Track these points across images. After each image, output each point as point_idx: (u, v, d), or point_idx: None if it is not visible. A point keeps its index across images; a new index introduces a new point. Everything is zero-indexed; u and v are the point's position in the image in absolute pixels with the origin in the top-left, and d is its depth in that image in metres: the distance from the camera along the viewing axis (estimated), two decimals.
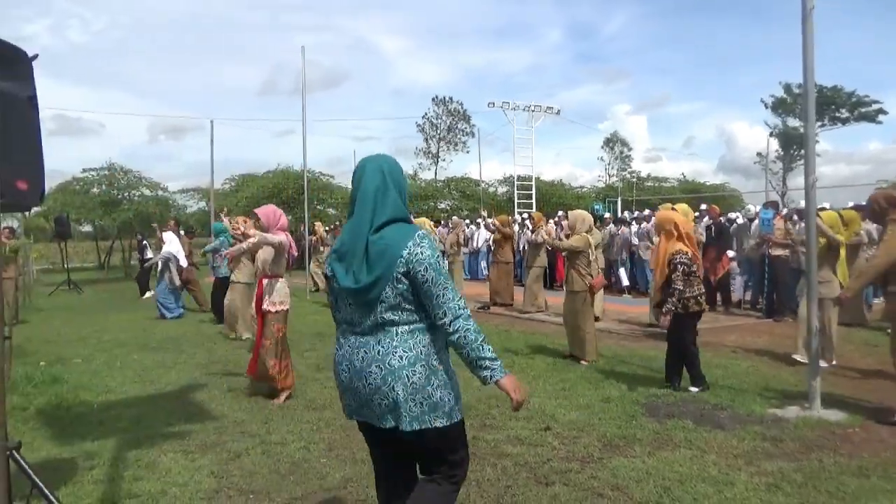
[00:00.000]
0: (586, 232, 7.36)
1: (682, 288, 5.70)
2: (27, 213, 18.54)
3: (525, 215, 19.73)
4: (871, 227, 9.94)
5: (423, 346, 2.30)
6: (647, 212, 16.23)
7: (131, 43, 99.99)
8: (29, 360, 7.90)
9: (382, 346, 2.28)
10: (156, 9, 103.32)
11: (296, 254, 6.67)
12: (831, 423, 4.91)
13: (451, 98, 53.50)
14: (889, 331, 5.83)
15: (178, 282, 12.38)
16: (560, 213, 17.15)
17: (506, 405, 5.19)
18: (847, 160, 72.82)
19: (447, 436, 2.36)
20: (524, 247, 14.89)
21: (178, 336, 9.97)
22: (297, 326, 6.55)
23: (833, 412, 5.12)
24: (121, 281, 23.08)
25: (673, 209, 7.37)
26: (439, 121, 53.63)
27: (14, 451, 2.52)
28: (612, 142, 55.23)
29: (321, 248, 16.01)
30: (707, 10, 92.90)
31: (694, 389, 5.85)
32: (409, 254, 2.23)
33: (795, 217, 10.90)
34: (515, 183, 28.29)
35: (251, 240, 6.03)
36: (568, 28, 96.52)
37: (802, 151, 6.81)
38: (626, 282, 13.99)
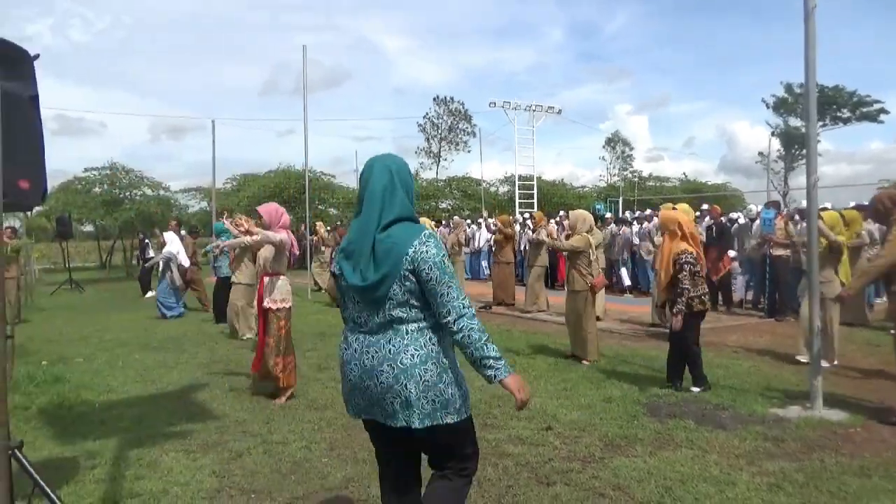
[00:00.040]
0: (587, 232, 7.36)
1: (689, 287, 5.69)
2: (29, 213, 18.56)
3: (527, 215, 19.73)
4: (873, 226, 9.94)
5: (434, 344, 2.33)
6: (648, 211, 16.22)
7: (133, 43, 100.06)
8: (31, 360, 7.91)
9: (393, 345, 2.29)
10: (157, 9, 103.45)
11: (297, 252, 6.67)
12: (833, 423, 4.91)
13: (452, 98, 53.55)
14: (892, 331, 5.82)
15: (179, 281, 12.39)
16: (562, 212, 17.16)
17: (507, 405, 5.20)
18: (849, 160, 72.84)
19: (458, 431, 2.39)
20: (525, 247, 14.89)
21: (180, 335, 9.97)
22: (298, 326, 6.58)
23: (835, 412, 5.12)
24: (122, 280, 23.10)
25: (674, 209, 7.36)
26: (440, 120, 53.65)
27: (16, 451, 2.52)
28: (614, 141, 55.23)
29: (322, 249, 16.01)
30: (708, 9, 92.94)
31: (695, 389, 5.85)
32: (414, 252, 2.25)
33: (797, 217, 10.90)
34: (517, 182, 28.28)
35: (255, 237, 6.04)
36: (569, 28, 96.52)
37: (804, 151, 6.80)
38: (627, 281, 13.98)
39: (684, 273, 5.69)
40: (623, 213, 20.34)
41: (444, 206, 35.18)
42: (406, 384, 2.26)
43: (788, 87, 41.21)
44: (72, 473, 4.14)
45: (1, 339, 2.35)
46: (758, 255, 10.87)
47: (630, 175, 49.51)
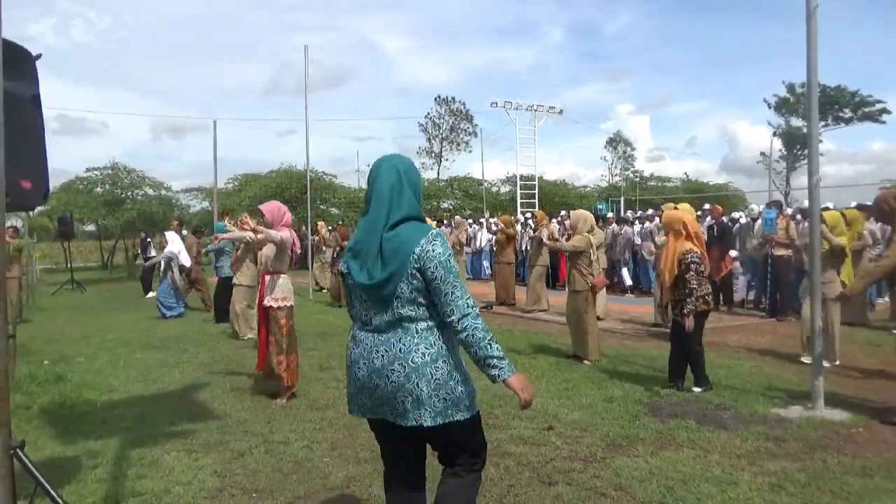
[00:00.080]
0: (588, 232, 7.36)
1: (697, 287, 5.69)
2: (31, 213, 18.58)
3: (528, 215, 19.73)
4: (875, 226, 9.93)
5: (443, 343, 2.35)
6: (650, 211, 16.22)
7: (135, 43, 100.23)
8: (32, 359, 7.92)
9: (403, 344, 2.31)
10: (159, 9, 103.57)
11: (299, 251, 6.66)
12: (835, 423, 4.90)
13: (453, 98, 53.49)
14: (894, 331, 5.83)
15: (180, 281, 12.40)
16: (563, 212, 17.16)
17: (509, 405, 5.20)
18: (850, 160, 72.80)
19: (468, 428, 2.42)
20: (526, 246, 14.89)
21: (181, 335, 9.98)
22: (299, 326, 6.59)
23: (836, 412, 5.11)
24: (124, 280, 23.12)
25: (675, 208, 7.35)
26: (442, 120, 53.60)
27: (18, 450, 2.52)
28: (616, 141, 55.25)
29: (323, 249, 16.02)
30: (710, 9, 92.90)
31: (697, 389, 5.85)
32: (421, 250, 2.27)
33: (799, 217, 10.89)
34: (518, 182, 28.30)
35: (259, 236, 6.03)
36: (571, 28, 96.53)
37: (806, 151, 6.78)
38: (628, 281, 13.98)
39: (692, 273, 5.68)
40: (625, 212, 20.34)
41: (445, 205, 35.19)
42: (418, 383, 2.28)
43: (790, 87, 41.18)
44: (74, 473, 4.14)
45: (3, 338, 2.34)
46: (759, 255, 10.86)
47: (632, 175, 49.54)
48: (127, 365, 7.73)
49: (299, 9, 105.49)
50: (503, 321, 10.63)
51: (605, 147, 55.51)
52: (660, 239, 8.93)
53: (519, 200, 27.78)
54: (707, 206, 13.17)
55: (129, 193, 25.91)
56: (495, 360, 2.28)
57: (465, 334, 2.28)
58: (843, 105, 39.87)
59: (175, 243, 12.55)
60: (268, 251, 5.90)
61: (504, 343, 8.36)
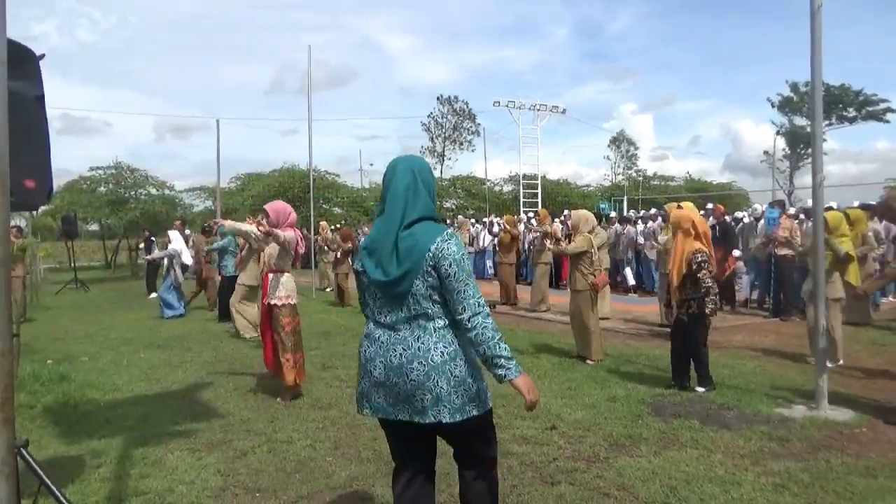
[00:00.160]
0: (589, 232, 7.35)
1: (713, 286, 5.68)
2: (35, 212, 18.63)
3: (531, 214, 19.71)
4: (879, 226, 9.90)
5: (460, 341, 2.38)
6: (653, 211, 16.20)
7: (138, 43, 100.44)
8: (36, 358, 7.93)
9: (422, 343, 2.34)
10: (163, 9, 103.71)
11: (303, 251, 6.65)
12: (838, 423, 4.89)
13: (456, 97, 53.50)
14: None
15: (181, 280, 12.41)
16: (566, 211, 17.15)
17: (512, 404, 5.19)
18: (854, 159, 72.65)
19: (484, 422, 2.49)
20: (529, 246, 14.88)
21: (185, 334, 10.00)
22: (302, 325, 6.58)
23: (840, 412, 5.10)
24: (127, 280, 23.17)
25: (679, 207, 7.33)
26: (445, 120, 53.60)
27: (22, 449, 2.53)
28: (619, 140, 55.19)
29: (325, 249, 16.04)
30: (713, 8, 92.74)
31: (700, 389, 5.84)
32: (436, 248, 2.31)
33: (802, 216, 10.85)
34: (521, 182, 28.28)
35: (271, 236, 6.03)
36: (574, 27, 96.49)
37: (809, 150, 6.78)
38: (631, 281, 13.94)
39: (704, 272, 5.66)
40: (627, 212, 20.32)
41: (448, 205, 35.19)
42: (438, 381, 2.32)
43: (794, 86, 41.04)
44: (77, 472, 4.15)
45: (7, 337, 2.35)
46: (763, 255, 10.84)
47: (635, 174, 49.45)
48: (130, 364, 7.75)
49: (302, 8, 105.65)
50: (506, 321, 10.62)
51: (609, 146, 55.50)
52: (661, 238, 8.89)
53: (522, 200, 27.76)
54: (710, 205, 13.15)
55: (133, 193, 26.00)
56: (503, 360, 2.32)
57: (474, 332, 2.31)
58: (847, 104, 39.72)
59: (177, 241, 12.57)
60: (270, 250, 5.89)
61: (507, 343, 8.32)
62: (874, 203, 11.77)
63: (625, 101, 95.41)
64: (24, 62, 2.80)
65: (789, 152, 43.60)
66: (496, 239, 15.14)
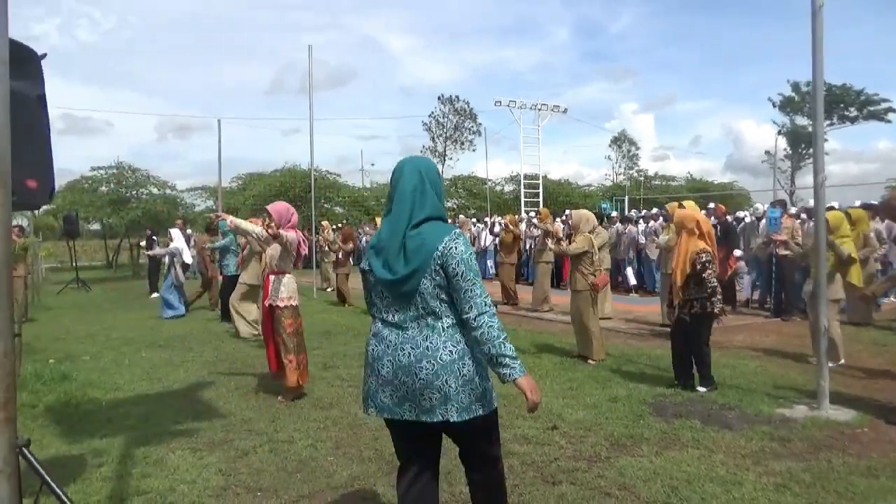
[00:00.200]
0: (590, 231, 7.34)
1: (717, 285, 5.67)
2: (36, 212, 18.65)
3: (532, 213, 19.71)
4: (881, 225, 9.90)
5: (468, 340, 2.40)
6: (654, 210, 16.19)
7: (139, 42, 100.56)
8: (38, 358, 7.94)
9: (431, 342, 2.36)
10: (163, 9, 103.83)
11: (305, 252, 6.63)
12: (840, 423, 4.89)
13: (457, 97, 53.26)
14: None
15: (182, 279, 12.42)
16: (567, 211, 17.16)
17: (513, 404, 5.19)
18: (856, 159, 72.56)
19: (489, 422, 2.52)
20: (530, 246, 14.89)
21: (186, 334, 10.01)
22: (304, 325, 6.58)
23: (842, 412, 5.10)
24: (129, 279, 23.20)
25: (682, 206, 7.33)
26: (446, 119, 53.44)
27: (24, 448, 2.53)
28: (620, 140, 55.10)
29: (326, 249, 16.05)
30: (714, 8, 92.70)
31: (702, 389, 5.83)
32: (444, 247, 2.34)
33: (804, 216, 10.84)
34: (522, 181, 28.28)
35: (264, 233, 6.03)
36: (575, 27, 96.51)
37: (811, 150, 6.77)
38: (633, 281, 13.94)
39: (709, 272, 5.66)
40: (628, 212, 20.31)
41: (449, 205, 35.18)
42: (447, 380, 2.34)
43: (795, 86, 41.02)
44: (79, 471, 4.15)
45: (9, 337, 2.35)
46: (764, 255, 10.83)
47: (636, 174, 49.42)
48: (132, 364, 7.76)
49: (302, 8, 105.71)
50: (507, 321, 10.61)
51: (610, 146, 55.38)
52: (662, 237, 8.88)
53: (523, 199, 27.76)
54: (711, 205, 13.15)
55: (134, 192, 26.03)
56: (508, 360, 2.33)
57: (480, 331, 2.33)
58: (848, 104, 39.70)
59: (178, 240, 12.59)
60: (272, 251, 5.89)
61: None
62: (876, 203, 11.77)
63: (626, 100, 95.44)
64: (25, 62, 2.80)
65: (791, 152, 43.56)
66: (497, 239, 15.13)
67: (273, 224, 5.77)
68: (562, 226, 13.23)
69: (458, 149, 53.63)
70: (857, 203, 11.58)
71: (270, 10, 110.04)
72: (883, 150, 64.73)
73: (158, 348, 8.77)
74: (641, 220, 15.17)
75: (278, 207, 5.95)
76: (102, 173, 25.71)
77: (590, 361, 7.13)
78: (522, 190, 28.15)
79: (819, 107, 5.21)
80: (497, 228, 16.55)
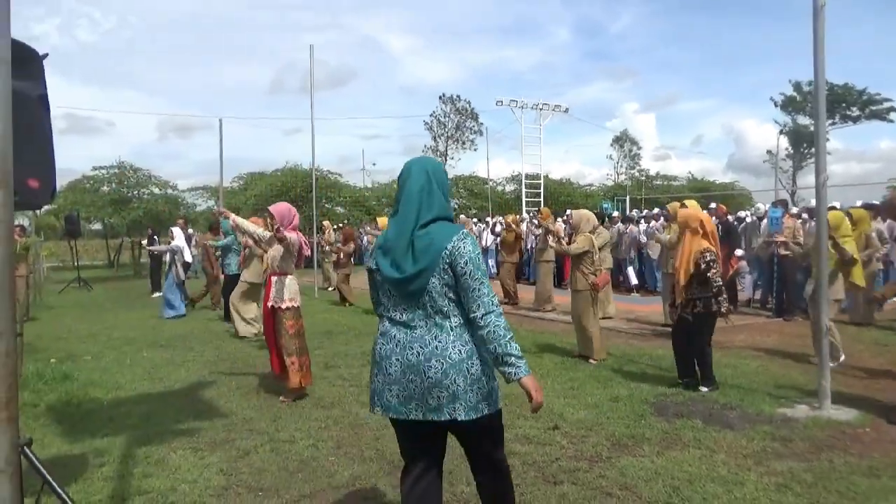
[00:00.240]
0: (590, 231, 7.34)
1: (722, 284, 5.67)
2: (38, 211, 18.66)
3: (533, 213, 19.71)
4: (883, 225, 9.88)
5: (475, 339, 2.42)
6: (655, 210, 16.18)
7: (140, 42, 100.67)
8: (39, 357, 7.95)
9: (439, 341, 2.38)
10: (164, 9, 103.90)
11: (307, 253, 6.61)
12: (841, 422, 4.88)
13: (458, 96, 53.29)
14: None
15: (183, 277, 12.42)
16: (569, 211, 17.17)
17: (513, 404, 5.19)
18: (858, 158, 72.40)
19: (495, 421, 2.54)
20: (532, 245, 14.88)
21: (187, 333, 10.01)
22: (305, 324, 6.59)
23: (843, 412, 5.10)
24: (130, 279, 23.21)
25: (684, 205, 7.32)
26: (447, 119, 53.45)
27: (25, 448, 2.53)
28: (621, 140, 55.06)
29: (327, 249, 16.05)
30: (715, 7, 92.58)
31: (704, 389, 5.83)
32: (453, 246, 2.36)
33: (805, 216, 10.83)
34: (523, 181, 28.27)
35: (265, 233, 6.02)
36: (576, 26, 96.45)
37: (813, 149, 6.77)
38: (634, 280, 13.92)
39: (714, 271, 5.65)
40: (630, 211, 20.30)
41: (450, 204, 35.16)
42: (455, 379, 2.35)
43: (797, 86, 40.97)
44: (80, 471, 4.16)
45: (11, 336, 2.35)
46: (766, 255, 10.82)
47: (637, 174, 49.38)
48: (133, 363, 7.76)
49: (303, 8, 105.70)
50: (508, 320, 10.52)
51: (611, 146, 55.34)
52: (663, 236, 8.84)
53: (524, 199, 27.75)
54: (713, 205, 13.14)
55: (136, 192, 26.04)
56: (513, 359, 2.35)
57: (486, 330, 2.35)
58: (850, 103, 39.65)
59: (179, 238, 12.59)
60: (274, 252, 5.88)
61: None
62: (877, 203, 11.76)
63: (627, 100, 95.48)
64: (27, 62, 2.80)
65: (792, 152, 43.51)
66: (499, 238, 15.13)
67: (276, 225, 5.76)
68: (563, 225, 13.22)
69: (460, 148, 53.65)
70: (859, 203, 11.57)
71: (271, 9, 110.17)
72: (885, 150, 64.58)
73: (160, 348, 8.78)
74: (643, 220, 15.15)
75: (280, 208, 5.94)
76: (104, 173, 25.72)
77: (591, 361, 7.13)
78: (524, 189, 28.14)
79: (821, 106, 5.20)
80: (498, 228, 16.54)
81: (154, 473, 4.11)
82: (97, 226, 31.87)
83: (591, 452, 4.34)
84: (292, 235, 5.79)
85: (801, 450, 4.34)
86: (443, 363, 2.35)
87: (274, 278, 5.87)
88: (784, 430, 4.74)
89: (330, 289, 15.98)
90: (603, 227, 10.38)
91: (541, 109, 28.27)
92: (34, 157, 2.78)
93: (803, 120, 41.30)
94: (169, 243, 13.22)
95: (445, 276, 2.36)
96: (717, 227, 11.09)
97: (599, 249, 7.59)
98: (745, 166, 78.53)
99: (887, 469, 3.96)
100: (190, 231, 16.76)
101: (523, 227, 15.27)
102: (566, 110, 29.75)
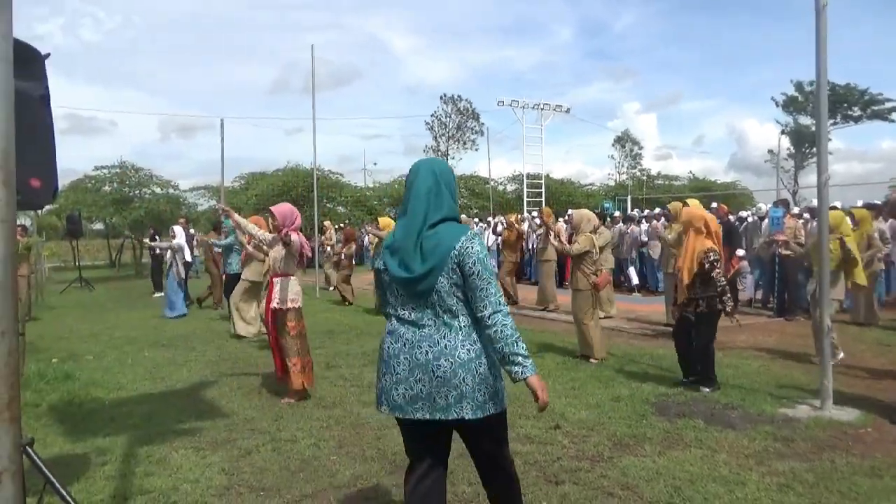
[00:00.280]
0: (591, 231, 7.34)
1: (726, 284, 5.67)
2: (40, 211, 18.65)
3: (534, 214, 19.71)
4: (885, 225, 9.87)
5: (482, 339, 2.44)
6: (657, 210, 16.18)
7: (142, 42, 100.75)
8: (41, 357, 7.96)
9: (448, 340, 2.40)
10: (166, 9, 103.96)
11: (309, 254, 6.61)
12: (843, 422, 4.88)
13: (460, 96, 53.25)
14: None
15: (183, 275, 12.43)
16: (570, 211, 17.17)
17: (515, 403, 5.18)
18: (860, 158, 72.31)
19: (500, 420, 2.56)
20: (533, 245, 14.87)
21: (189, 333, 10.02)
22: (306, 324, 6.59)
23: (845, 412, 5.09)
24: (132, 278, 23.23)
25: (686, 205, 7.32)
26: (448, 119, 53.41)
27: (27, 447, 2.54)
28: (623, 140, 54.97)
29: (328, 250, 16.04)
30: (716, 7, 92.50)
31: (705, 389, 5.82)
32: (461, 246, 2.39)
33: (807, 216, 10.82)
34: (525, 181, 28.25)
35: (266, 235, 6.01)
36: (577, 26, 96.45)
37: (814, 149, 6.76)
38: (635, 280, 13.93)
39: (718, 271, 5.65)
40: (631, 211, 20.28)
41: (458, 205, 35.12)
42: (464, 378, 2.38)
43: (799, 86, 40.90)
44: (82, 470, 4.16)
45: (14, 336, 2.35)
46: (767, 254, 10.81)
47: (639, 173, 49.33)
48: (135, 363, 7.77)
49: (305, 8, 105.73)
50: None
51: (613, 145, 55.24)
52: (666, 233, 8.81)
53: (525, 199, 27.73)
54: (714, 204, 13.13)
55: (137, 192, 26.07)
56: (520, 358, 2.37)
57: (493, 329, 2.37)
58: (852, 103, 39.55)
59: (181, 237, 12.60)
60: (276, 254, 5.87)
61: None
62: (878, 202, 11.75)
63: (629, 100, 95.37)
64: (29, 62, 2.81)
65: (794, 151, 43.44)
66: (500, 238, 15.13)
67: (281, 227, 5.76)
68: (564, 226, 13.21)
69: (461, 148, 53.56)
70: (860, 203, 11.56)
71: (273, 9, 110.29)
72: (887, 150, 64.45)
73: (161, 348, 8.79)
74: (644, 220, 15.14)
75: (282, 209, 5.93)
76: (105, 173, 25.76)
77: (591, 360, 7.12)
78: (525, 189, 28.11)
79: (823, 106, 5.19)
80: (500, 228, 16.54)
81: (156, 473, 4.11)
82: (99, 225, 31.89)
83: (592, 452, 4.34)
84: (294, 236, 5.79)
85: (803, 450, 4.34)
86: (452, 362, 2.38)
87: (276, 280, 5.86)
88: (786, 430, 4.73)
89: (330, 289, 15.98)
90: (604, 226, 10.38)
91: (542, 109, 28.24)
92: (36, 157, 2.78)
93: (805, 120, 41.25)
94: (170, 242, 13.23)
95: (454, 276, 2.38)
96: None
97: (601, 249, 7.58)
98: (747, 166, 78.26)
99: (889, 469, 3.96)
100: (191, 231, 16.75)
101: (525, 226, 15.27)
102: (567, 110, 29.74)
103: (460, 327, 2.42)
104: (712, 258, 5.65)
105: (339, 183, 32.63)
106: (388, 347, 2.51)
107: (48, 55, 2.92)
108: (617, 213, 16.84)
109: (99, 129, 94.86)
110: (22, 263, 11.79)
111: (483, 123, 51.79)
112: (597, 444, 4.48)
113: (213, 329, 10.47)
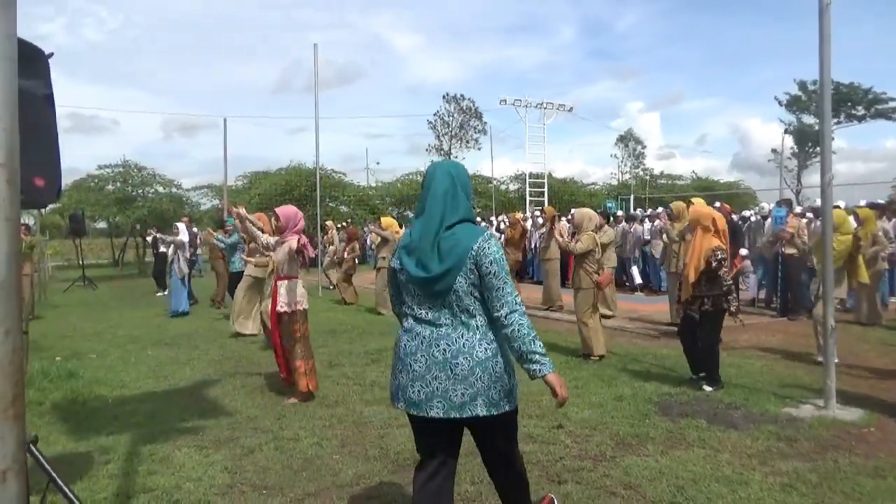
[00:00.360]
0: (593, 230, 7.33)
1: (732, 283, 5.66)
2: (43, 210, 18.71)
3: (537, 213, 19.70)
4: (889, 224, 9.85)
5: (500, 338, 2.49)
6: (659, 209, 16.16)
7: (146, 42, 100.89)
8: (45, 356, 7.97)
9: (466, 339, 2.44)
10: (169, 8, 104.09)
11: (312, 255, 6.59)
12: (846, 422, 4.87)
13: (462, 95, 53.23)
14: None
15: (185, 271, 12.44)
16: (573, 210, 17.17)
17: (518, 403, 5.18)
18: (863, 158, 72.11)
19: (512, 416, 2.63)
20: (536, 245, 14.86)
21: (192, 332, 10.03)
22: (309, 324, 6.63)
23: (849, 412, 5.08)
24: (135, 277, 23.26)
25: (690, 203, 7.31)
26: (451, 118, 53.40)
27: (31, 445, 2.54)
28: (626, 139, 54.91)
29: (330, 250, 16.04)
30: (719, 6, 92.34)
31: (708, 388, 5.81)
32: (478, 247, 2.43)
33: (811, 215, 10.80)
34: (527, 180, 28.24)
35: (270, 239, 6.01)
36: (580, 25, 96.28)
37: (818, 149, 6.75)
38: (638, 279, 13.91)
39: (725, 270, 5.64)
40: (634, 210, 20.27)
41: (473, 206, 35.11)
42: (481, 376, 2.43)
43: (802, 85, 40.80)
44: (85, 468, 4.17)
45: (19, 334, 2.36)
46: (770, 254, 10.79)
47: (641, 173, 49.29)
48: (138, 361, 7.78)
49: (308, 7, 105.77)
50: None
51: (616, 144, 55.19)
52: (675, 231, 8.78)
53: (528, 198, 27.73)
54: (717, 204, 13.10)
55: (140, 191, 26.09)
56: (538, 356, 2.42)
57: (510, 329, 2.41)
58: (855, 102, 39.45)
59: (183, 233, 12.61)
60: (279, 256, 5.84)
61: None
62: (882, 202, 11.73)
63: (632, 99, 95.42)
64: (33, 61, 2.81)
65: (797, 151, 43.34)
66: (503, 237, 15.12)
67: (283, 228, 5.76)
68: (567, 225, 13.20)
69: (464, 147, 53.55)
70: (863, 202, 11.54)
71: (276, 9, 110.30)
72: (890, 149, 64.29)
73: (164, 346, 8.80)
74: (647, 219, 15.13)
75: (287, 211, 5.92)
76: (109, 172, 25.78)
77: (592, 358, 7.12)
78: (528, 189, 28.11)
79: (826, 105, 5.18)
80: (503, 227, 16.54)
81: (159, 471, 4.12)
82: (102, 224, 31.92)
83: (595, 451, 4.33)
84: (293, 241, 5.75)
85: (806, 450, 4.33)
86: (470, 361, 2.42)
87: (280, 282, 5.84)
88: (789, 429, 4.72)
89: (331, 287, 15.99)
90: (608, 226, 10.37)
91: (545, 108, 28.25)
92: (39, 156, 2.78)
93: (808, 119, 41.16)
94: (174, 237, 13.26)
95: (471, 276, 2.42)
96: None
97: (605, 248, 7.57)
98: (750, 165, 78.33)
99: (893, 469, 3.95)
100: (195, 230, 16.78)
101: (528, 225, 15.28)
102: (570, 109, 29.77)
103: (477, 326, 2.46)
104: (720, 256, 5.63)
105: (342, 182, 32.65)
106: (405, 345, 2.54)
107: (51, 54, 2.92)
108: (620, 213, 16.82)
109: (102, 128, 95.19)
110: (25, 262, 11.82)
111: (486, 122, 51.78)
112: (599, 444, 4.47)
113: (216, 328, 10.48)
